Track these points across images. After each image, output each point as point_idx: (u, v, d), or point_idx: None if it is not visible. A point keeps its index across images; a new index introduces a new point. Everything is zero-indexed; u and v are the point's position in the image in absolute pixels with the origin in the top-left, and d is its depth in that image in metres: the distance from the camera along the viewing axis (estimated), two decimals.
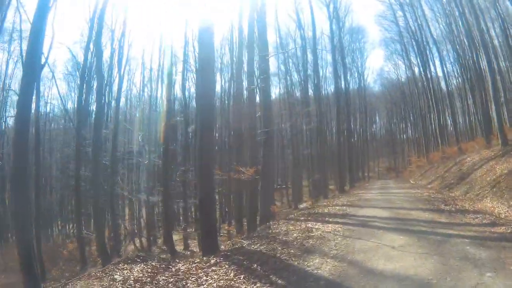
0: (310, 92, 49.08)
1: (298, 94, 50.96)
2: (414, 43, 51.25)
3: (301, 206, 34.94)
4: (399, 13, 52.62)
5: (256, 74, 20.69)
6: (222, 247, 13.20)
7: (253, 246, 11.25)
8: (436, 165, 37.82)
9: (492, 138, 28.62)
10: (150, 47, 53.53)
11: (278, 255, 9.54)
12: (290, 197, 45.33)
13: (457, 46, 43.27)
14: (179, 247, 26.82)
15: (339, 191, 37.46)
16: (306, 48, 45.77)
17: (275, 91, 56.67)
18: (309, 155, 45.29)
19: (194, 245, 28.11)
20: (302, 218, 16.19)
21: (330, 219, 14.79)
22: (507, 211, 12.87)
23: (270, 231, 13.53)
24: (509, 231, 9.71)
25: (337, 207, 19.41)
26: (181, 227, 32.40)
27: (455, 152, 35.11)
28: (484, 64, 33.66)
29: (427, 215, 13.77)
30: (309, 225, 13.57)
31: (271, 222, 15.78)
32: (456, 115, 45.95)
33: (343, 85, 50.18)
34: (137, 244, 29.88)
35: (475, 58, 34.17)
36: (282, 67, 49.15)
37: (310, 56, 46.58)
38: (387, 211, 16.05)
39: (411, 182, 38.48)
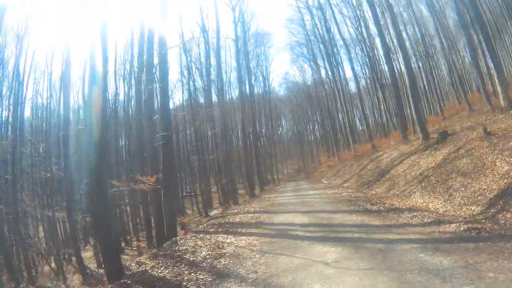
0: (214, 97, 47.80)
1: (202, 100, 49.09)
2: (321, 46, 51.49)
3: (212, 213, 33.99)
4: (307, 17, 52.86)
5: (154, 73, 19.19)
6: (133, 264, 11.01)
7: (157, 269, 9.27)
8: (349, 163, 37.20)
9: (408, 134, 28.78)
10: (52, 53, 49.54)
11: (185, 283, 7.61)
12: (200, 205, 43.37)
13: (368, 48, 44.21)
14: (92, 265, 24.44)
15: (249, 195, 36.48)
16: (210, 53, 44.51)
17: (179, 98, 55.27)
18: (216, 161, 43.56)
19: None
20: (212, 230, 14.23)
21: (243, 230, 12.94)
22: (444, 205, 11.66)
23: (176, 248, 11.46)
24: (461, 229, 8.32)
25: (250, 215, 17.46)
26: (91, 243, 29.86)
27: (368, 150, 35.01)
28: (398, 64, 34.98)
29: (354, 217, 12.08)
30: (220, 238, 11.68)
31: (178, 237, 13.54)
32: (367, 114, 46.05)
33: (247, 89, 49.96)
34: (53, 265, 26.79)
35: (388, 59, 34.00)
36: (186, 73, 47.58)
37: (214, 61, 45.46)
38: (307, 216, 14.17)
39: (324, 182, 37.32)
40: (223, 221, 16.66)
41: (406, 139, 27.61)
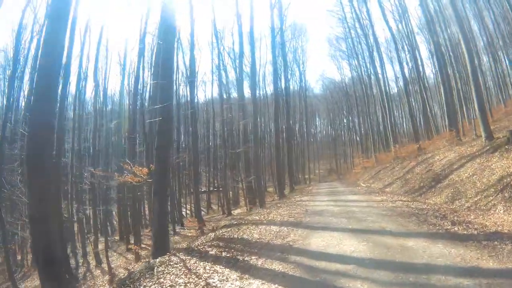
0: (248, 91, 45.98)
1: (234, 93, 48.36)
2: (362, 42, 48.51)
3: (236, 212, 33.40)
4: (347, 9, 48.63)
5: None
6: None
7: None
8: (389, 166, 32.87)
9: (459, 134, 25.62)
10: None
11: None
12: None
13: (411, 46, 41.42)
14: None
15: (278, 195, 33.07)
16: (243, 43, 40.05)
17: (210, 89, 53.06)
18: (244, 155, 39.30)
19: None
20: (213, 252, 9.08)
21: (259, 262, 7.46)
22: None
23: (145, 282, 6.91)
24: None
25: (275, 227, 11.71)
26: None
27: (412, 152, 30.91)
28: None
29: (444, 249, 6.76)
30: (216, 278, 6.60)
31: (156, 260, 8.49)
32: (413, 113, 41.98)
33: (283, 83, 45.95)
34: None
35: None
36: (217, 61, 44.38)
37: (247, 52, 42.87)
38: (363, 241, 8.24)
39: (362, 185, 32.61)
40: (235, 236, 11.00)
41: (460, 140, 24.14)
